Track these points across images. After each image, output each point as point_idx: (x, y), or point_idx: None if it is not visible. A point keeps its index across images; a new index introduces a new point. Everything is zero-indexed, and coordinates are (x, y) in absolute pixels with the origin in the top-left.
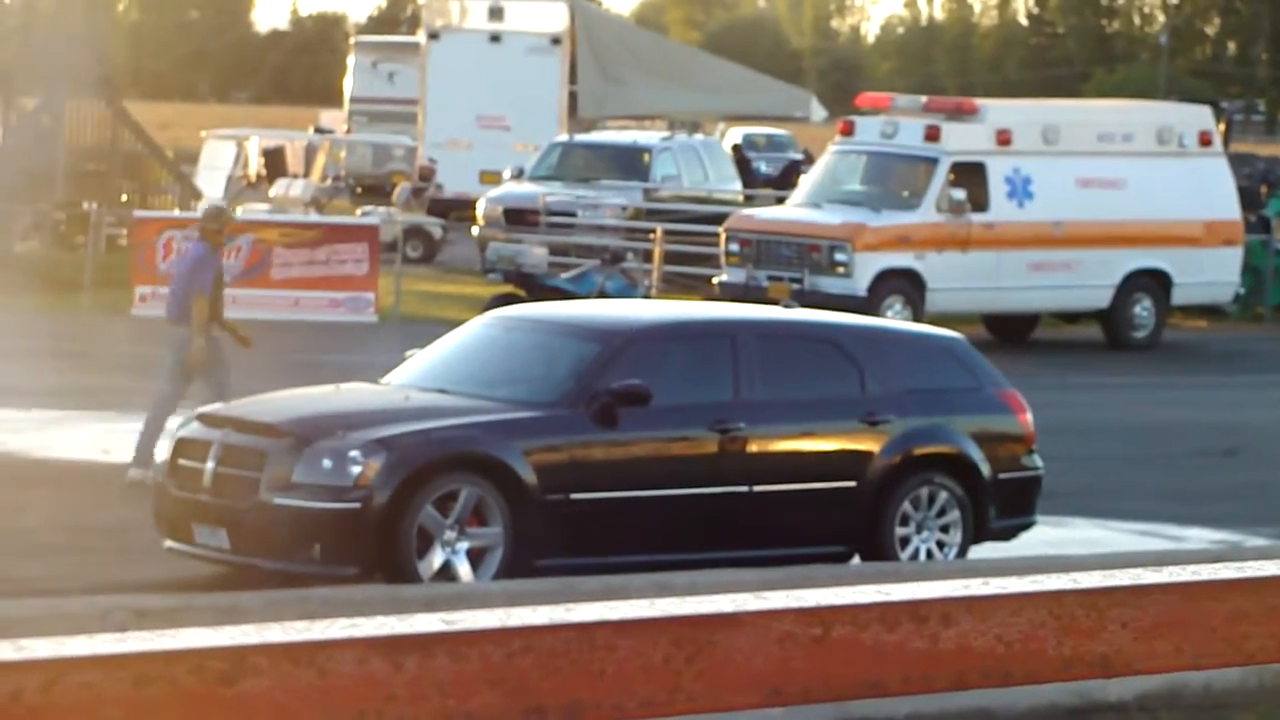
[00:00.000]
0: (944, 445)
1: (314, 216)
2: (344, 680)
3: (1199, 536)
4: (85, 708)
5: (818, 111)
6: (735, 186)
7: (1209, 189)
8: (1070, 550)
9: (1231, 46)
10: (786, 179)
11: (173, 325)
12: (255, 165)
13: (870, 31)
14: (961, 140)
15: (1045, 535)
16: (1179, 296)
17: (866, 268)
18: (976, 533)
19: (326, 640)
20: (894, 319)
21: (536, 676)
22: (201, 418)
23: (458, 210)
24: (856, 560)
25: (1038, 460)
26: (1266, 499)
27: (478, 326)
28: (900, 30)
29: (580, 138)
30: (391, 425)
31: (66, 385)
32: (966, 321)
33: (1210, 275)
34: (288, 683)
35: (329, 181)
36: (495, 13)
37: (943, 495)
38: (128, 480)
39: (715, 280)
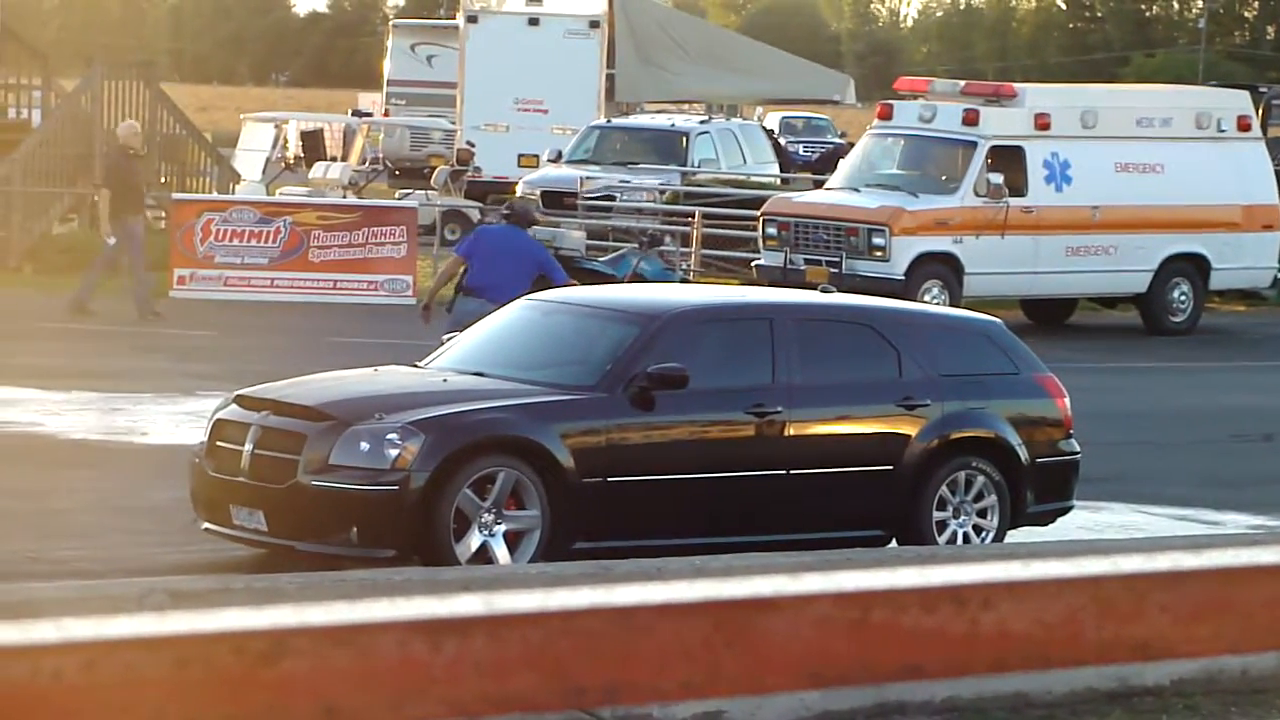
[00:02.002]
0: (981, 430)
1: (352, 199)
2: (384, 662)
3: (1237, 521)
4: (126, 688)
5: (851, 95)
6: (773, 170)
7: (1247, 174)
8: (1107, 535)
9: (1270, 31)
10: (827, 164)
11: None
12: (293, 148)
13: (909, 15)
14: (1000, 124)
15: (1082, 520)
16: (1217, 281)
17: (904, 251)
18: (1013, 517)
19: (368, 622)
20: (931, 303)
21: (576, 658)
22: (240, 399)
23: (495, 193)
24: (893, 545)
25: (1075, 445)
26: None
27: (515, 310)
28: (939, 14)
29: (618, 121)
30: (429, 408)
31: (105, 367)
32: (1004, 306)
33: (1249, 260)
34: (328, 664)
35: (367, 164)
36: None
37: (980, 480)
38: None
39: (753, 264)
